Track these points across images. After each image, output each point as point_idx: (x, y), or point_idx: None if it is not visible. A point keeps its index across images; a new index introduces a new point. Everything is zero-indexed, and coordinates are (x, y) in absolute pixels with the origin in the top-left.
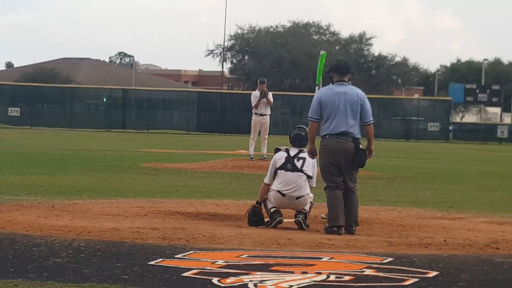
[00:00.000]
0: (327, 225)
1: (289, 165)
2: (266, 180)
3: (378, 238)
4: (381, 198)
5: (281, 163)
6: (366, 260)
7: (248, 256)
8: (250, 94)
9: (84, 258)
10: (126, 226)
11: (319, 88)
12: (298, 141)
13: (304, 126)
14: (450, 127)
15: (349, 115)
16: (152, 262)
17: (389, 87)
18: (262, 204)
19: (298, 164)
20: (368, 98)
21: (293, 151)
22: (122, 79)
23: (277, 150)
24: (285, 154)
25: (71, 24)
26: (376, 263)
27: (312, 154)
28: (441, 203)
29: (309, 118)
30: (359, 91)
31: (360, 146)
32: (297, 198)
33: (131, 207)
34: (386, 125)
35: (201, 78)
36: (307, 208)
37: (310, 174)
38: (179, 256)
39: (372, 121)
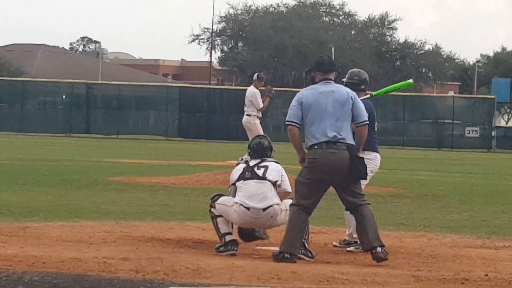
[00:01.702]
0: (276, 251)
1: (248, 173)
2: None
3: (403, 272)
4: (406, 222)
5: (239, 173)
6: None
7: None
8: (246, 90)
9: None
10: (90, 256)
11: (371, 96)
12: (260, 152)
13: (265, 135)
14: (493, 133)
15: (339, 118)
16: None
17: (418, 82)
18: (211, 220)
19: (260, 172)
20: (391, 95)
21: (253, 162)
22: (86, 71)
23: (238, 164)
24: (243, 165)
25: (23, 3)
26: None
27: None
28: (481, 228)
29: (287, 122)
30: (348, 90)
31: (358, 154)
32: (264, 209)
33: (96, 232)
34: (413, 130)
35: (183, 70)
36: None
37: (273, 180)
38: None
39: (367, 122)
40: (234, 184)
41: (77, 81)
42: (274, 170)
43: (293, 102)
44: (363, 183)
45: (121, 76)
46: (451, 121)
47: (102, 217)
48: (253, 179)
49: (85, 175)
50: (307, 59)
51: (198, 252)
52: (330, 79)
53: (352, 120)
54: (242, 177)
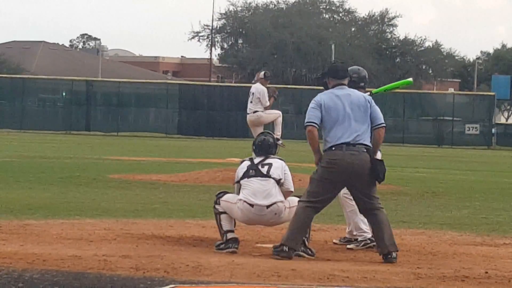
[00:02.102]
0: (276, 245)
1: (252, 171)
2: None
3: (403, 269)
4: (407, 219)
5: (243, 171)
6: None
7: None
8: (246, 87)
9: None
10: (91, 254)
11: (371, 94)
12: (265, 149)
13: (270, 132)
14: (493, 130)
15: (358, 120)
16: None
17: (418, 79)
18: (215, 216)
19: (264, 169)
20: (391, 93)
21: (258, 159)
22: (86, 68)
23: (242, 162)
24: (248, 163)
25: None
26: None
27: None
28: (481, 225)
29: (307, 123)
30: (364, 94)
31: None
32: (268, 206)
33: (96, 230)
34: (413, 127)
35: (183, 67)
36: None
37: (277, 178)
38: None
39: (384, 125)
40: (238, 182)
41: (77, 78)
42: (278, 168)
43: (311, 105)
44: None
45: (121, 73)
46: (451, 118)
47: (102, 215)
48: (257, 176)
49: (85, 172)
50: (307, 56)
51: (198, 250)
52: (344, 84)
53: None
54: (246, 175)
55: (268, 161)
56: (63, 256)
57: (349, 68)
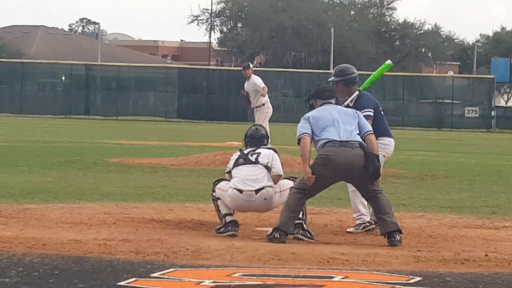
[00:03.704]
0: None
1: (241, 160)
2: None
3: (403, 252)
4: (406, 202)
5: (233, 162)
6: (389, 280)
7: (241, 275)
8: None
9: (38, 277)
10: (90, 238)
11: (359, 92)
12: (257, 139)
13: (262, 125)
14: (493, 113)
15: (347, 123)
16: (122, 283)
17: (417, 62)
18: (213, 202)
19: (252, 158)
20: (391, 76)
21: (248, 150)
22: (85, 52)
23: (234, 154)
24: (238, 153)
25: None
26: (400, 284)
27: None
28: (481, 208)
29: (299, 136)
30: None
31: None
32: (257, 191)
33: (96, 214)
34: (412, 110)
35: (183, 51)
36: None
37: (265, 163)
38: (156, 274)
39: (371, 131)
40: (229, 172)
41: (76, 62)
42: (266, 155)
43: (301, 123)
44: None
45: (121, 57)
46: (450, 101)
47: (102, 199)
48: (246, 164)
49: (84, 156)
50: (306, 40)
51: (198, 234)
52: (331, 103)
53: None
54: (236, 164)
55: (258, 150)
56: (63, 240)
57: (338, 67)
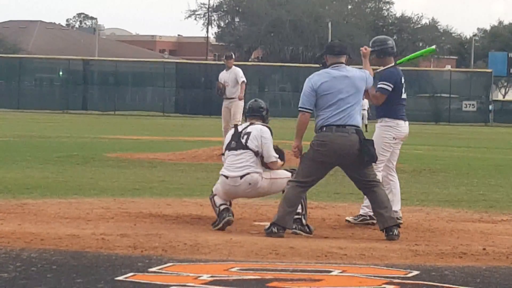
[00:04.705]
0: (266, 226)
1: (233, 143)
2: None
3: (401, 246)
4: (404, 196)
5: (227, 142)
6: (386, 274)
7: (239, 270)
8: (244, 65)
9: (36, 272)
10: (88, 233)
11: (394, 65)
12: (253, 112)
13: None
14: (490, 107)
15: (352, 103)
16: (120, 278)
17: None
18: (210, 201)
19: (243, 140)
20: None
21: (242, 126)
22: (83, 48)
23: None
24: (232, 132)
25: None
26: (398, 278)
27: (299, 152)
28: (479, 202)
29: (299, 108)
30: (361, 71)
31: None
32: (242, 177)
33: (94, 209)
34: (410, 104)
35: (180, 46)
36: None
37: (255, 149)
38: (154, 269)
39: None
40: (223, 154)
41: (73, 57)
42: (256, 137)
43: (307, 86)
44: (382, 155)
45: (118, 52)
46: (448, 95)
47: (99, 194)
48: (237, 149)
49: (82, 151)
50: (304, 34)
51: (196, 228)
52: (342, 62)
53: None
54: (228, 146)
55: (249, 128)
56: (61, 235)
57: (376, 38)
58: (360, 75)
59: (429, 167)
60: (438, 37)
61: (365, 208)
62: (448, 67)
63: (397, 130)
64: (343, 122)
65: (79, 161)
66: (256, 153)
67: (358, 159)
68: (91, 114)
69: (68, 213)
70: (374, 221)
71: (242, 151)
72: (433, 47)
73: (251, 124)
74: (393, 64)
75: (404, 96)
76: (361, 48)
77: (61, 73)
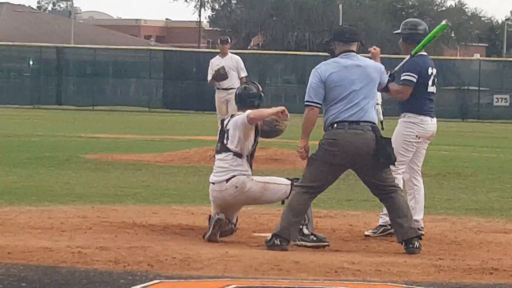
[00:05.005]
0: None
1: (218, 145)
2: None
3: (422, 261)
4: (427, 204)
5: (216, 144)
6: None
7: None
8: (242, 54)
9: None
10: (63, 245)
11: (411, 57)
12: (247, 100)
13: (255, 82)
14: None
15: (366, 96)
16: None
17: (438, 43)
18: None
19: (226, 141)
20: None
21: (227, 119)
22: (56, 33)
23: None
24: (220, 128)
25: None
26: None
27: (306, 152)
28: None
29: (306, 103)
30: (375, 63)
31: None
32: (227, 180)
33: (69, 218)
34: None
35: (169, 31)
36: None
37: (235, 149)
38: (138, 287)
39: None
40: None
41: (46, 44)
42: (233, 135)
43: (313, 78)
44: (403, 156)
45: (97, 38)
46: (477, 88)
47: (76, 201)
48: (221, 152)
49: (56, 152)
50: (311, 18)
51: (187, 240)
52: (352, 51)
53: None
54: (216, 150)
55: (229, 125)
56: (32, 248)
57: (408, 21)
58: (374, 64)
59: (455, 170)
60: (465, 21)
61: (384, 216)
62: (477, 55)
63: (421, 127)
64: (357, 117)
65: (53, 163)
66: (238, 155)
67: (374, 160)
68: (66, 109)
69: (39, 223)
70: None
71: (225, 154)
72: (444, 22)
73: (231, 116)
74: (408, 56)
75: (431, 89)
76: (369, 49)
77: (31, 62)
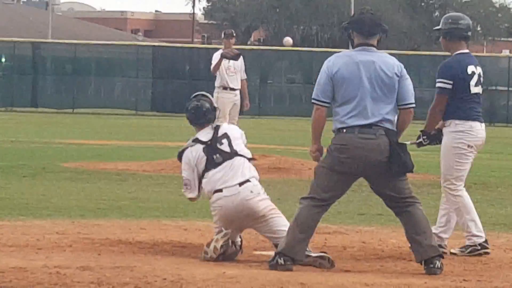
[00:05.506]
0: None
1: (216, 156)
2: (192, 194)
3: (444, 282)
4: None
5: (204, 162)
6: None
7: None
8: (241, 49)
9: None
10: (39, 265)
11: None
12: (202, 116)
13: (204, 93)
14: None
15: (378, 98)
16: None
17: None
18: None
19: (226, 147)
20: (428, 56)
21: (204, 134)
22: (32, 27)
23: (181, 154)
24: (199, 147)
25: None
26: None
27: (320, 154)
28: None
29: (313, 101)
30: (395, 60)
31: (399, 140)
32: (241, 184)
33: (46, 234)
34: None
35: (158, 25)
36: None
37: (248, 155)
38: None
39: (414, 105)
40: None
41: (20, 39)
42: (235, 137)
43: (322, 73)
44: (460, 170)
45: (78, 33)
46: (506, 88)
47: (53, 215)
48: (223, 161)
49: (31, 160)
50: (318, 10)
51: (179, 259)
52: (372, 45)
53: (396, 101)
54: (211, 165)
55: (220, 131)
56: (3, 268)
57: (449, 15)
58: (393, 61)
59: (481, 181)
60: (493, 13)
61: (472, 237)
62: (506, 52)
63: (471, 135)
64: (369, 120)
65: (27, 172)
66: (250, 159)
67: (387, 168)
68: (42, 112)
69: (12, 239)
70: (488, 251)
71: (230, 161)
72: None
73: (216, 128)
74: (462, 51)
75: (475, 90)
76: None
77: (3, 59)
